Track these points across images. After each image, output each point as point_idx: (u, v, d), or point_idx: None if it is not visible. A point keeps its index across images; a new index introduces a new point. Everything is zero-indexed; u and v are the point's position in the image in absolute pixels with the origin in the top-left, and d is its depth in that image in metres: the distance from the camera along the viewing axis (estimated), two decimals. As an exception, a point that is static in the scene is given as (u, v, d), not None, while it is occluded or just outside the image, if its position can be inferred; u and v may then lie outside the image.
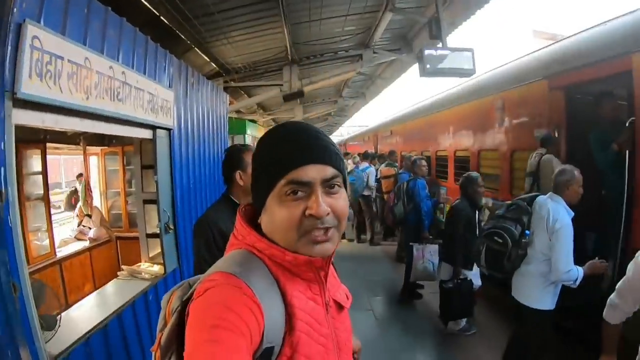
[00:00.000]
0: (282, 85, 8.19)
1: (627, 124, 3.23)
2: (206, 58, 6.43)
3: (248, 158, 2.24)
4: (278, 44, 6.96)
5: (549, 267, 2.92)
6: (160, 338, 0.87)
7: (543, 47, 4.88)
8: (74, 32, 2.57)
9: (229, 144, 7.69)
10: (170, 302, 0.92)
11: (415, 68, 7.34)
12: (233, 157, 2.29)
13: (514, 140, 5.10)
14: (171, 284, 4.24)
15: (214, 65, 6.97)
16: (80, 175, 12.60)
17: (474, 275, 4.23)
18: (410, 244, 5.22)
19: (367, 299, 5.67)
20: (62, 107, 2.47)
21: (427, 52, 4.77)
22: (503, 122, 5.32)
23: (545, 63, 4.57)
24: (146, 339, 3.46)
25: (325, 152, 0.86)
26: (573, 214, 2.93)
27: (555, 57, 4.44)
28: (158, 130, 4.05)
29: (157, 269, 4.24)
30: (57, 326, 2.45)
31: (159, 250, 4.69)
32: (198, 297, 0.79)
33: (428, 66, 4.76)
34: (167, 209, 4.29)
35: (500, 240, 3.08)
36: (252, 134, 10.46)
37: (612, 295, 2.06)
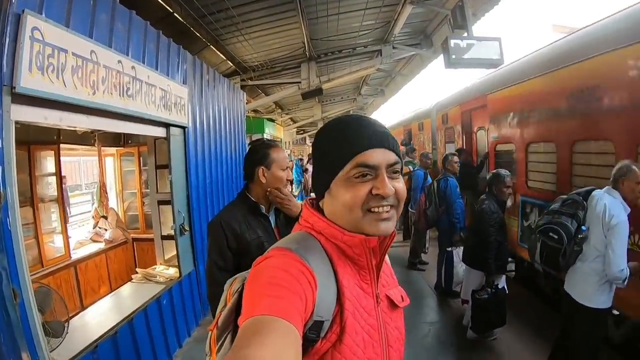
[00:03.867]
0: (300, 82, 8.08)
1: None
2: (222, 56, 6.31)
3: (275, 154, 2.06)
4: (295, 40, 6.81)
5: (604, 264, 2.71)
6: (218, 318, 0.89)
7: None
8: (78, 25, 2.44)
9: (247, 143, 7.59)
10: (232, 284, 0.96)
11: (434, 64, 7.15)
12: (257, 151, 2.08)
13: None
14: (187, 288, 4.12)
15: (231, 64, 6.86)
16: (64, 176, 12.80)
17: (503, 281, 3.96)
18: (449, 249, 4.89)
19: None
20: (67, 102, 2.35)
21: (452, 42, 4.52)
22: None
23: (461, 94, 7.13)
24: (159, 346, 3.34)
25: (388, 139, 0.89)
26: (630, 209, 2.71)
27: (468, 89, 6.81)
28: (172, 128, 3.94)
29: (172, 272, 4.12)
30: (64, 333, 2.33)
31: (175, 252, 4.59)
32: (255, 267, 0.83)
33: (454, 57, 4.51)
34: (182, 210, 4.16)
35: (556, 237, 2.90)
36: (271, 133, 10.32)
37: None
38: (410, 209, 6.85)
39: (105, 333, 2.66)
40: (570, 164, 3.84)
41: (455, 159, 5.25)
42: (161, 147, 4.44)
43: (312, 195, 1.04)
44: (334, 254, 0.89)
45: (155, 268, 4.24)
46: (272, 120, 11.16)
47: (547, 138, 4.27)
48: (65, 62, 2.29)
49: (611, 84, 3.37)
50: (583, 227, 2.81)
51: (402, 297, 1.04)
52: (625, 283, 2.61)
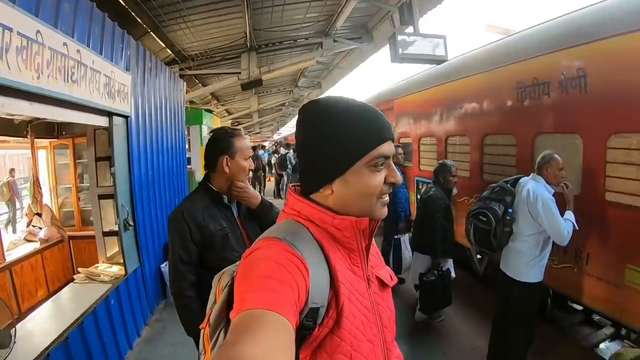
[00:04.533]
0: (240, 73, 7.87)
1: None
2: (162, 44, 5.95)
3: (238, 143, 2.01)
4: (237, 29, 6.62)
5: (533, 242, 3.06)
6: (209, 315, 0.89)
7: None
8: (23, 1, 2.20)
9: (186, 134, 7.30)
10: (220, 279, 0.95)
11: (373, 58, 7.41)
12: (220, 140, 2.03)
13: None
14: (133, 287, 3.91)
15: (170, 52, 6.48)
16: (12, 170, 11.56)
17: (450, 265, 4.26)
18: (396, 237, 5.09)
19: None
20: (11, 87, 2.12)
21: (399, 37, 4.67)
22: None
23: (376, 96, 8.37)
24: (111, 349, 3.15)
25: (392, 131, 0.93)
26: (553, 190, 3.07)
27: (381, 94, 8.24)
28: (115, 118, 3.69)
29: (116, 269, 3.88)
30: (12, 343, 2.12)
31: (117, 249, 4.32)
32: (244, 259, 0.82)
33: (400, 51, 4.67)
34: (125, 204, 3.93)
35: (485, 219, 3.22)
36: (209, 125, 9.97)
37: None
38: None
39: (56, 340, 2.45)
40: (445, 153, 5.32)
41: (400, 150, 5.54)
42: (100, 138, 4.14)
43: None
44: (324, 239, 0.89)
45: (98, 267, 3.95)
46: (210, 112, 10.78)
47: (432, 134, 5.76)
48: (10, 42, 2.06)
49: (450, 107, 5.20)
50: (510, 210, 3.16)
51: (390, 276, 1.07)
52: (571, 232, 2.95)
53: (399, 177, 0.92)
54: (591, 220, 3.15)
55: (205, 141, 9.43)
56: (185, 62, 7.10)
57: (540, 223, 2.99)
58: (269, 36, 7.45)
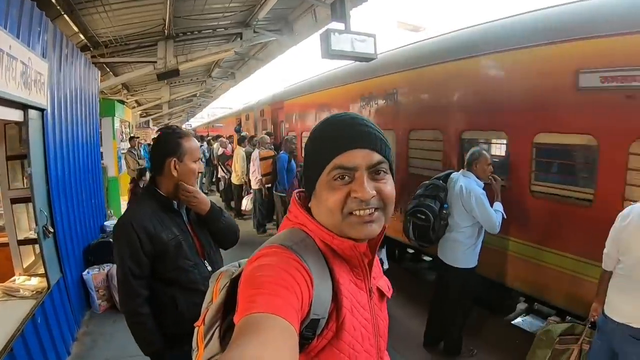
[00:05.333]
0: (156, 62, 7.36)
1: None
2: (75, 28, 5.31)
3: (187, 144, 1.90)
4: (156, 16, 6.15)
5: (469, 232, 3.37)
6: (205, 314, 0.88)
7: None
8: None
9: (100, 127, 6.67)
10: (218, 279, 0.94)
11: (292, 50, 7.58)
12: (168, 141, 1.90)
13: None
14: (58, 299, 3.53)
15: (83, 38, 5.78)
16: None
17: (384, 256, 4.47)
18: None
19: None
20: None
21: (331, 33, 4.72)
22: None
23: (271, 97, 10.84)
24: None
25: (371, 139, 0.86)
26: (483, 184, 3.39)
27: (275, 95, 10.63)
28: (30, 111, 3.24)
29: (36, 282, 3.45)
30: None
31: (34, 258, 3.83)
32: (250, 264, 0.81)
33: (332, 47, 4.72)
34: (43, 207, 3.48)
35: (423, 217, 3.44)
36: (121, 117, 9.19)
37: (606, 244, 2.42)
38: (275, 191, 7.22)
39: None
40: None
41: (294, 140, 5.81)
42: (12, 134, 3.61)
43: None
44: (328, 252, 0.88)
45: (15, 280, 3.45)
46: (123, 103, 9.92)
47: (309, 130, 6.82)
48: None
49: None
50: (445, 205, 3.46)
51: (388, 286, 1.07)
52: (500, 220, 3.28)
53: (364, 193, 0.82)
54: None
55: (117, 134, 8.77)
56: (98, 49, 6.43)
57: (474, 216, 3.29)
58: (188, 24, 7.04)
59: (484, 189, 3.36)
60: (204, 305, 0.94)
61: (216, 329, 0.85)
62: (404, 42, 5.83)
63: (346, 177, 0.84)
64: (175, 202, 1.93)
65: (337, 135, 0.87)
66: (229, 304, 0.86)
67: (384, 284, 1.06)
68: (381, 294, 1.03)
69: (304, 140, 7.11)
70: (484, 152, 3.47)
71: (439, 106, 4.54)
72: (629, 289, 2.27)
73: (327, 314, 0.82)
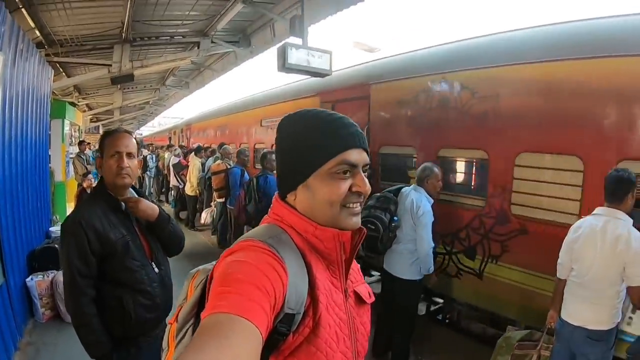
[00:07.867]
0: (111, 65, 7.18)
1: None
2: (32, 24, 5.09)
3: (107, 140, 1.91)
4: (115, 18, 6.01)
5: (415, 245, 3.44)
6: (178, 311, 0.88)
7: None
8: None
9: (49, 128, 6.35)
10: (194, 277, 0.93)
11: (248, 63, 8.49)
12: (100, 142, 1.96)
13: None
14: (0, 307, 3.30)
15: (38, 34, 5.54)
16: None
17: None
18: None
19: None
20: None
21: (288, 47, 4.82)
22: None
23: (188, 120, 16.03)
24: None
25: (364, 140, 0.94)
26: (433, 201, 3.52)
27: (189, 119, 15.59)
28: (-22, 107, 3.09)
29: (-25, 289, 3.21)
30: None
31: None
32: (223, 259, 0.82)
33: (288, 61, 4.82)
34: (-14, 208, 3.30)
35: (373, 227, 3.47)
36: (71, 120, 8.77)
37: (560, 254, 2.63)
38: (228, 205, 6.93)
39: None
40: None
41: (274, 157, 5.63)
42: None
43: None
44: (305, 248, 0.90)
45: (-48, 286, 3.21)
46: (74, 105, 9.49)
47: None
48: None
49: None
50: (395, 218, 3.50)
51: (369, 293, 1.07)
52: (431, 269, 3.44)
53: (365, 187, 0.90)
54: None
55: (66, 138, 8.36)
56: (52, 47, 6.18)
57: (415, 230, 3.40)
58: (146, 30, 6.93)
59: (432, 205, 3.48)
60: (178, 302, 0.93)
61: (190, 327, 0.85)
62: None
63: (348, 173, 0.89)
64: (123, 203, 1.95)
65: (344, 131, 0.91)
66: (203, 302, 0.85)
67: (364, 290, 1.06)
68: (360, 300, 1.03)
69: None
70: (436, 168, 3.56)
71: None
72: (583, 294, 2.49)
73: (302, 308, 0.82)
